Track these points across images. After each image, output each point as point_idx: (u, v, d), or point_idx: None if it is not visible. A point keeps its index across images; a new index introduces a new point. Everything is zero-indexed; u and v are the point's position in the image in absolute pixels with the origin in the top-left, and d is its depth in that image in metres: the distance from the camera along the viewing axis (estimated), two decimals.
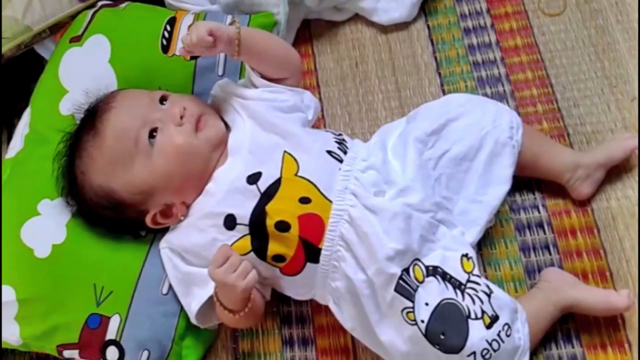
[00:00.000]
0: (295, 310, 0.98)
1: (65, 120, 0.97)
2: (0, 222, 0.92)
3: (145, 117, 0.86)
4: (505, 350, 0.80)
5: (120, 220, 0.90)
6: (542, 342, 0.88)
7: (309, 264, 0.83)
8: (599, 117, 1.02)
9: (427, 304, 0.79)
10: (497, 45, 1.11)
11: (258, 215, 0.83)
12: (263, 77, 0.92)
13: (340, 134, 0.92)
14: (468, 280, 0.82)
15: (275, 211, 0.82)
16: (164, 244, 0.90)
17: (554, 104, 1.05)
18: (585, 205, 0.97)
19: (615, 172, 0.97)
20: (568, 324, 0.90)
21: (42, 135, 0.99)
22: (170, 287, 0.92)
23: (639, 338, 0.87)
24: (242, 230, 0.83)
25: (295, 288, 0.89)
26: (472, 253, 0.85)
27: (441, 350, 0.79)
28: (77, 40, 1.04)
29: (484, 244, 0.96)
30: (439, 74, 1.11)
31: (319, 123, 1.10)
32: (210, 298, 0.86)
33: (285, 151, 0.85)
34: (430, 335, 0.79)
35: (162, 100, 0.90)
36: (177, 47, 1.01)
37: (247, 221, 0.83)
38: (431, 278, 0.81)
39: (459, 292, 0.81)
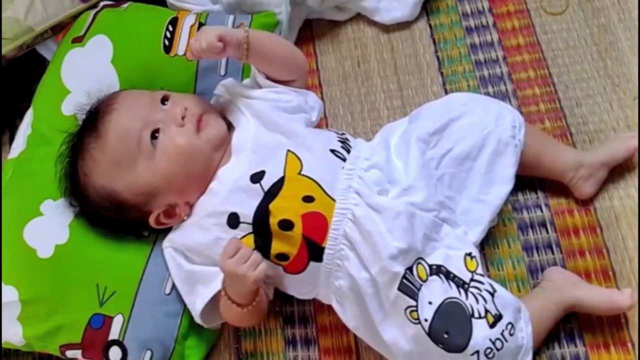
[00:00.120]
0: (297, 310, 0.98)
1: (67, 121, 0.97)
2: (1, 223, 0.92)
3: (146, 118, 0.86)
4: (508, 350, 0.80)
5: (123, 220, 0.90)
6: (545, 341, 0.88)
7: (312, 263, 0.83)
8: (602, 116, 1.02)
9: (430, 303, 0.79)
10: (499, 44, 1.11)
11: (261, 214, 0.83)
12: (269, 78, 0.92)
13: (343, 133, 0.92)
14: (472, 279, 0.82)
15: (279, 210, 0.82)
16: (167, 243, 0.90)
17: (557, 103, 1.05)
18: (588, 204, 0.96)
19: (617, 171, 0.97)
20: (571, 323, 0.90)
21: (44, 135, 0.99)
22: (173, 287, 0.92)
23: None
24: (245, 228, 0.83)
25: (298, 287, 0.89)
26: (475, 252, 0.85)
27: (444, 349, 0.79)
28: (79, 40, 1.04)
29: (486, 244, 0.96)
30: (441, 73, 1.11)
31: (321, 123, 1.09)
32: (214, 297, 0.86)
33: (288, 150, 0.85)
34: (434, 334, 0.78)
35: (164, 100, 0.90)
36: (180, 47, 1.01)
37: (250, 220, 0.83)
38: (435, 277, 0.81)
39: (462, 291, 0.81)
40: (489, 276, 0.90)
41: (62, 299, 0.90)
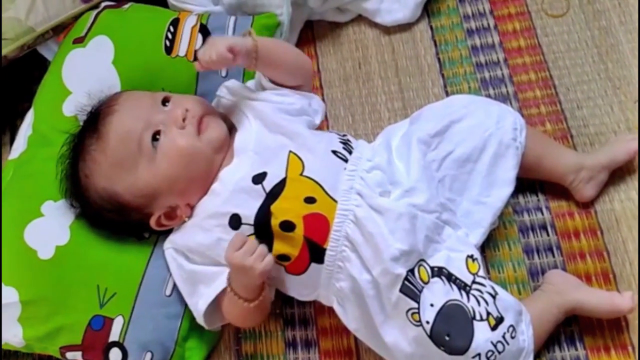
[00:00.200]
0: (298, 312, 0.97)
1: (68, 122, 0.97)
2: (1, 224, 0.92)
3: (147, 120, 0.86)
4: (509, 352, 0.80)
5: (124, 222, 0.90)
6: (546, 344, 0.88)
7: (313, 264, 0.83)
8: (602, 119, 1.02)
9: (432, 305, 0.79)
10: (500, 47, 1.11)
11: (263, 215, 0.82)
12: (275, 83, 0.92)
13: (344, 135, 0.92)
14: (473, 282, 0.82)
15: (280, 211, 0.82)
16: (168, 244, 0.90)
17: (557, 105, 1.05)
18: (589, 207, 0.97)
19: (618, 173, 0.97)
20: (571, 326, 0.90)
21: (45, 136, 0.99)
22: (174, 288, 0.91)
23: None
24: (247, 230, 0.83)
25: (299, 288, 0.88)
26: (477, 254, 0.85)
27: (446, 352, 0.79)
28: (80, 41, 1.04)
29: (487, 246, 0.96)
30: (442, 75, 1.11)
31: (322, 124, 1.08)
32: (216, 298, 0.86)
33: (290, 151, 0.85)
34: (435, 336, 0.78)
35: (165, 101, 0.90)
36: (181, 48, 1.01)
37: (252, 221, 0.83)
38: (436, 279, 0.81)
39: (464, 293, 0.81)
40: (489, 279, 0.90)
41: (63, 300, 0.89)
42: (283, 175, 0.84)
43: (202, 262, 0.87)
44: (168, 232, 0.91)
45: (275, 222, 0.82)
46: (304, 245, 0.82)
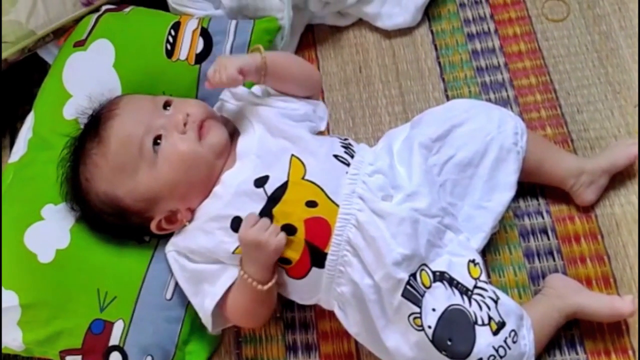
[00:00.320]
0: (298, 316, 0.97)
1: (69, 125, 0.97)
2: (1, 227, 0.91)
3: (149, 124, 0.86)
4: (511, 357, 0.80)
5: (125, 226, 0.90)
6: (547, 348, 0.88)
7: (314, 269, 0.83)
8: (603, 123, 1.03)
9: (434, 310, 0.79)
10: (500, 51, 1.11)
11: None
12: (284, 94, 0.93)
13: (346, 139, 0.92)
14: (475, 286, 0.82)
15: (282, 214, 0.82)
16: (170, 247, 0.90)
17: (558, 109, 1.05)
18: (589, 211, 0.97)
19: (618, 178, 0.97)
20: (572, 330, 0.90)
21: (45, 139, 0.99)
22: (174, 292, 0.91)
23: None
24: None
25: (300, 292, 0.88)
26: (478, 259, 0.85)
27: (448, 356, 0.79)
28: (81, 44, 1.03)
29: (488, 250, 0.96)
30: (443, 79, 1.11)
31: None
32: (221, 299, 0.85)
33: (292, 155, 0.85)
34: (437, 341, 0.78)
35: (166, 105, 0.90)
36: (182, 51, 1.01)
37: None
38: (438, 283, 0.81)
39: (466, 298, 0.81)
40: (490, 283, 0.90)
41: (63, 304, 0.89)
42: (285, 179, 0.84)
43: (203, 261, 0.87)
44: (169, 236, 0.91)
45: (276, 226, 0.82)
46: (305, 249, 0.82)
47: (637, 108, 1.02)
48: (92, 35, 1.04)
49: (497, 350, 0.79)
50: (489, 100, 1.07)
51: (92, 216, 0.90)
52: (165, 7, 1.12)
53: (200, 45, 1.02)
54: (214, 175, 0.88)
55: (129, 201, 0.86)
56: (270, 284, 0.83)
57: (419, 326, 0.79)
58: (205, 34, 1.04)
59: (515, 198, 0.93)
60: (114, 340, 0.89)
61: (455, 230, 0.86)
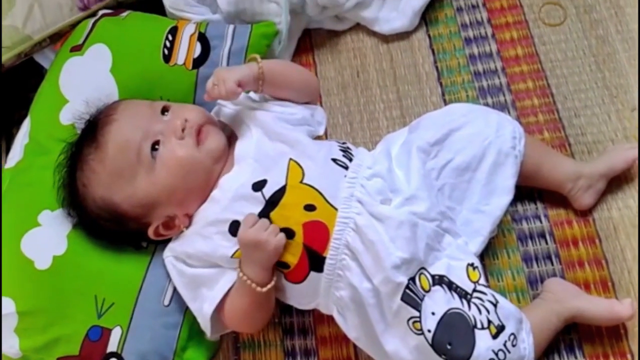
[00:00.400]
0: (297, 322, 0.97)
1: (65, 130, 0.97)
2: (0, 233, 0.91)
3: (146, 129, 0.86)
4: None
5: (122, 232, 0.89)
6: (545, 352, 0.88)
7: (312, 273, 0.83)
8: (600, 127, 1.03)
9: (433, 314, 0.79)
10: (498, 55, 1.12)
11: None
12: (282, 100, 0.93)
13: (344, 143, 0.92)
14: (474, 290, 0.82)
15: (280, 218, 0.82)
16: (168, 252, 0.90)
17: (555, 114, 1.05)
18: (587, 215, 0.97)
19: (616, 182, 0.97)
20: (571, 334, 0.90)
21: (42, 145, 0.98)
22: (172, 298, 0.91)
23: None
24: None
25: (299, 297, 0.88)
26: (477, 263, 0.85)
27: None
28: (77, 49, 1.03)
29: (486, 254, 0.96)
30: (440, 83, 1.11)
31: None
32: (220, 303, 0.85)
33: (290, 159, 0.85)
34: (437, 345, 0.78)
35: (164, 110, 0.89)
36: (180, 56, 1.01)
37: None
38: (437, 287, 0.81)
39: (465, 301, 0.81)
40: (489, 287, 0.90)
41: (60, 311, 0.89)
42: (283, 183, 0.84)
43: (201, 265, 0.86)
44: (166, 242, 0.91)
45: None
46: (303, 253, 0.82)
47: (634, 112, 1.03)
48: (89, 40, 1.03)
49: (496, 354, 0.79)
50: (487, 104, 1.07)
51: (89, 222, 0.90)
52: (162, 12, 1.12)
53: (197, 50, 1.02)
54: (212, 180, 0.88)
55: (126, 207, 0.86)
56: (269, 286, 0.82)
57: (418, 330, 0.79)
58: (202, 38, 1.04)
59: (513, 202, 0.93)
60: (112, 346, 0.88)
61: (454, 234, 0.86)
